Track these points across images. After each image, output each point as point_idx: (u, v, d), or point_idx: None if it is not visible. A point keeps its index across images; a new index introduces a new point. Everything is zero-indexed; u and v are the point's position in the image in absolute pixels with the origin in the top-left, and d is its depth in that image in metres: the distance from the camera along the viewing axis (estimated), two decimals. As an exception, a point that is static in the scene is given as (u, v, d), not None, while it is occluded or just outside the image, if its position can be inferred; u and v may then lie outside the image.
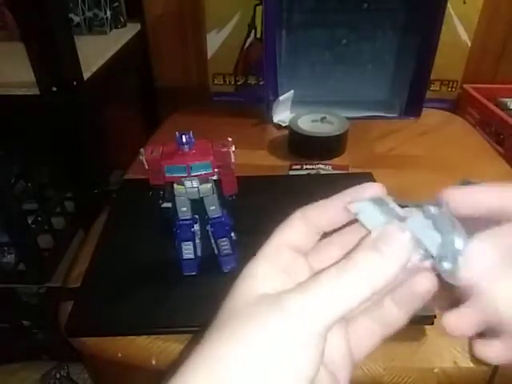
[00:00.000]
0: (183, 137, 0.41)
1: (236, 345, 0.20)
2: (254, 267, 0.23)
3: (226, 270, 0.50)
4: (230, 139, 0.43)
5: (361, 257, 0.21)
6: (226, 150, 0.42)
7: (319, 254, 0.25)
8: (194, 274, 0.50)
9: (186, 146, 0.41)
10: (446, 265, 0.20)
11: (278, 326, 0.19)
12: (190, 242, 0.47)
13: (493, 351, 0.22)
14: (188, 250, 0.48)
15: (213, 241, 0.49)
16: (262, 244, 0.24)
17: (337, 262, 0.21)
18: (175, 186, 0.43)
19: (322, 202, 0.25)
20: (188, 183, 0.43)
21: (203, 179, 0.43)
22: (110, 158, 1.16)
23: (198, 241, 0.49)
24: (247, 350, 0.19)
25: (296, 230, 0.24)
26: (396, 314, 0.23)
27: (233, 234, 0.48)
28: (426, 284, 0.22)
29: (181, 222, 0.46)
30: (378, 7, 0.87)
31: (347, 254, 0.21)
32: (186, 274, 0.49)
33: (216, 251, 0.49)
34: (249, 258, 0.24)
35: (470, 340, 0.22)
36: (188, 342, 0.45)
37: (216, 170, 0.42)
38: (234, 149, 0.42)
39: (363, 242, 0.21)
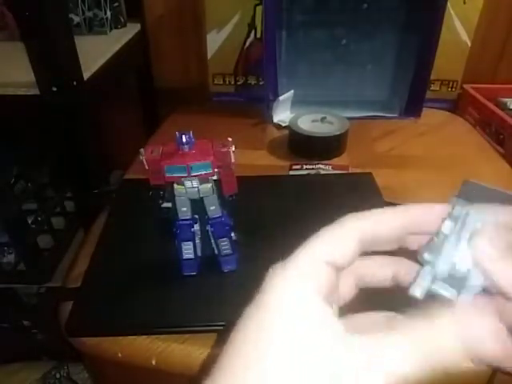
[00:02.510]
0: (183, 137, 0.41)
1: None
2: (299, 286, 0.20)
3: (225, 270, 0.50)
4: (230, 139, 0.43)
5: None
6: (225, 150, 0.42)
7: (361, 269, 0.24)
8: (193, 274, 0.50)
9: (185, 146, 0.41)
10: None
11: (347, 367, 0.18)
12: (190, 242, 0.47)
13: None
14: (188, 250, 0.48)
15: (213, 241, 0.49)
16: (292, 252, 0.21)
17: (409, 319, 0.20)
18: (175, 186, 0.43)
19: (380, 214, 0.22)
20: (188, 183, 0.43)
21: (203, 179, 0.43)
22: (109, 157, 1.16)
23: (197, 241, 0.49)
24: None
25: (345, 247, 0.21)
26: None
27: (233, 234, 0.48)
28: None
29: (181, 222, 0.46)
30: (378, 7, 0.87)
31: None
32: (185, 274, 0.49)
33: (216, 251, 0.49)
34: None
35: None
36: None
37: (216, 169, 0.42)
38: (233, 149, 0.42)
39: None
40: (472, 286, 0.20)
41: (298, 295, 0.20)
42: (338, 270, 0.21)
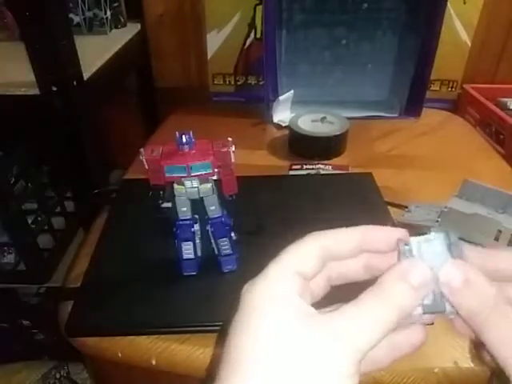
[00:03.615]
0: (183, 137, 0.41)
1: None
2: (274, 287, 0.22)
3: (225, 270, 0.50)
4: (230, 139, 0.43)
5: (395, 285, 0.22)
6: (225, 150, 0.42)
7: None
8: (193, 274, 0.50)
9: (186, 146, 0.41)
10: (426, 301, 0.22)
11: (328, 347, 0.20)
12: (190, 242, 0.47)
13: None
14: (188, 250, 0.48)
15: (213, 241, 0.49)
16: (269, 262, 0.24)
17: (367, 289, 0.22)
18: (175, 186, 0.43)
19: (338, 233, 0.25)
20: (188, 183, 0.43)
21: (203, 179, 0.43)
22: (110, 158, 1.16)
23: (197, 241, 0.49)
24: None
25: (308, 260, 0.24)
26: (381, 356, 0.24)
27: (233, 234, 0.48)
28: (418, 337, 0.24)
29: (181, 222, 0.46)
30: (378, 7, 0.87)
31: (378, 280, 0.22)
32: (185, 274, 0.49)
33: (216, 251, 0.49)
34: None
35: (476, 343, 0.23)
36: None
37: (216, 170, 0.42)
38: (233, 149, 0.42)
39: (392, 271, 0.22)
40: None
41: (273, 294, 0.22)
42: (306, 278, 0.23)
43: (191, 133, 0.41)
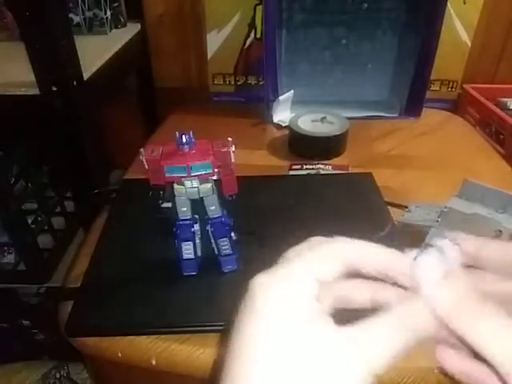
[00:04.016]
0: (183, 137, 0.41)
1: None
2: (295, 288, 0.22)
3: (225, 270, 0.50)
4: (230, 139, 0.43)
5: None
6: (225, 149, 0.42)
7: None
8: (193, 274, 0.50)
9: (185, 146, 0.41)
10: None
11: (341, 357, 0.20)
12: (190, 242, 0.47)
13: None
14: (188, 250, 0.48)
15: (213, 241, 0.49)
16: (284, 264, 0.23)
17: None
18: (175, 186, 0.43)
19: (368, 250, 0.24)
20: (188, 183, 0.43)
21: (203, 179, 0.43)
22: (109, 158, 1.16)
23: (197, 241, 0.49)
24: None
25: (332, 270, 0.23)
26: None
27: (233, 234, 0.48)
28: None
29: (181, 222, 0.46)
30: (378, 7, 0.87)
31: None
32: (185, 273, 0.49)
33: (216, 251, 0.49)
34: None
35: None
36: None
37: (216, 170, 0.42)
38: (233, 149, 0.42)
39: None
40: None
41: (293, 295, 0.21)
42: (321, 284, 0.23)
43: (191, 133, 0.41)
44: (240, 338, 0.21)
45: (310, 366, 0.19)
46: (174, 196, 0.44)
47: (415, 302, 0.22)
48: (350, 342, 0.20)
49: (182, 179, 0.42)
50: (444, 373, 0.23)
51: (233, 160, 0.43)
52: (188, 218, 0.46)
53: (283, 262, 0.23)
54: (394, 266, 0.23)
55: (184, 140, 0.41)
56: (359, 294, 0.25)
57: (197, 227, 0.48)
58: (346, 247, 0.24)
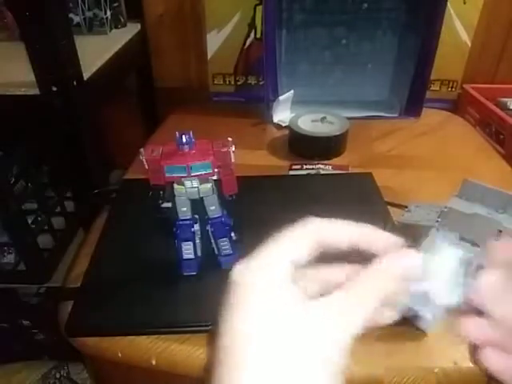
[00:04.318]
0: (183, 137, 0.41)
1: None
2: (271, 272, 0.23)
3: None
4: (230, 139, 0.43)
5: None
6: (225, 149, 0.42)
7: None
8: (193, 274, 0.50)
9: (185, 146, 0.41)
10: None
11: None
12: (190, 242, 0.47)
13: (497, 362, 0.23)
14: (188, 250, 0.48)
15: (213, 241, 0.49)
16: (262, 247, 0.24)
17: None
18: (175, 186, 0.43)
19: (337, 226, 0.25)
20: (188, 183, 0.43)
21: (203, 179, 0.43)
22: (109, 158, 1.16)
23: (197, 241, 0.49)
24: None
25: (305, 250, 0.24)
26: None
27: (233, 234, 0.48)
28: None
29: (181, 222, 0.46)
30: (378, 7, 0.87)
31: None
32: (185, 273, 0.49)
33: (216, 251, 0.49)
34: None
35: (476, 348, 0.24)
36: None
37: (216, 170, 0.42)
38: (233, 149, 0.42)
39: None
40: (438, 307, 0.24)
41: (270, 279, 0.23)
42: (296, 266, 0.24)
43: (191, 133, 0.41)
44: (227, 332, 0.22)
45: (295, 345, 0.21)
46: (174, 196, 0.44)
47: (377, 264, 0.23)
48: (325, 313, 0.21)
49: (182, 179, 0.42)
50: (489, 375, 0.23)
51: (233, 160, 0.43)
52: (188, 217, 0.46)
53: (261, 247, 0.24)
54: (367, 234, 0.25)
55: (184, 140, 0.41)
56: (333, 276, 0.26)
57: (197, 227, 0.48)
58: (318, 225, 0.25)
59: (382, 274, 0.23)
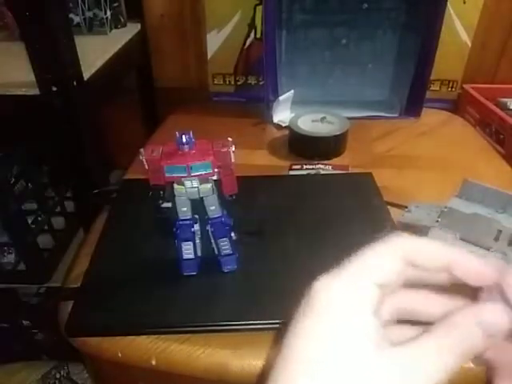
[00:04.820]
0: (183, 137, 0.41)
1: None
2: (355, 296, 0.21)
3: (226, 270, 0.50)
4: (230, 139, 0.43)
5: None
6: (225, 150, 0.42)
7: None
8: (193, 274, 0.50)
9: (185, 146, 0.41)
10: None
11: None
12: (190, 242, 0.47)
13: None
14: (188, 250, 0.48)
15: (213, 241, 0.49)
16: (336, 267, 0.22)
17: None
18: (175, 186, 0.43)
19: (428, 247, 0.23)
20: (188, 183, 0.43)
21: (203, 179, 0.43)
22: (109, 158, 1.16)
23: (197, 241, 0.49)
24: None
25: (392, 273, 0.22)
26: None
27: (233, 234, 0.48)
28: None
29: (181, 222, 0.46)
30: (378, 7, 0.87)
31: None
32: (185, 273, 0.49)
33: (216, 251, 0.49)
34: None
35: None
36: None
37: (216, 170, 0.42)
38: (233, 149, 0.42)
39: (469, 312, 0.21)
40: None
41: (353, 304, 0.21)
42: (382, 288, 0.22)
43: (191, 133, 0.41)
44: (297, 332, 0.20)
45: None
46: (174, 196, 0.44)
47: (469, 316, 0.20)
48: (392, 364, 0.19)
49: (182, 179, 0.42)
50: (489, 376, 0.22)
51: (233, 160, 0.43)
52: (188, 217, 0.46)
53: (345, 262, 0.22)
54: (459, 260, 0.22)
55: (184, 140, 0.41)
56: (426, 307, 0.23)
57: (197, 227, 0.48)
58: (404, 241, 0.22)
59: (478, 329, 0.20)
